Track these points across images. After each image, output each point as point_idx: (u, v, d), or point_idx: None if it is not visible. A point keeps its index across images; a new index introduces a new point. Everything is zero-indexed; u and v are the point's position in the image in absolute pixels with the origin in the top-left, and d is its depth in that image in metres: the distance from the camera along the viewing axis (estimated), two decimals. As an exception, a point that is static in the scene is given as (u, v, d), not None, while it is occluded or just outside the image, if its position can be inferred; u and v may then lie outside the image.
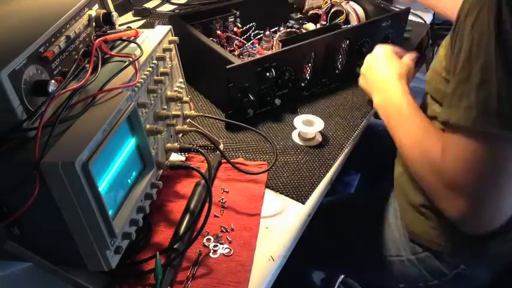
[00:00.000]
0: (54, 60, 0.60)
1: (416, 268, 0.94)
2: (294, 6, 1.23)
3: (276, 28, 1.15)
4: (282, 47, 1.00)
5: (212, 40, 1.02)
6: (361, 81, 1.00)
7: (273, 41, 1.10)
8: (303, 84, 1.05)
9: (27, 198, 0.52)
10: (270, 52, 1.03)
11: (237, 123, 0.94)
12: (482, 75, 0.65)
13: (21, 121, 0.54)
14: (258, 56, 1.01)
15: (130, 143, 0.63)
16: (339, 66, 1.11)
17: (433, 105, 0.84)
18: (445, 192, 0.73)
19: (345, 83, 1.13)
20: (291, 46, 0.98)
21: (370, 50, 1.03)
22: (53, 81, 0.57)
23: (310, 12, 1.23)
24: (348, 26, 1.16)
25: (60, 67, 0.62)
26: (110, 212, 0.55)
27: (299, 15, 1.22)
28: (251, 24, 1.13)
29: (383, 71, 0.94)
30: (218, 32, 1.10)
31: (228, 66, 0.89)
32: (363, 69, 0.99)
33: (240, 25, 1.14)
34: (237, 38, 1.09)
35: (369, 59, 0.99)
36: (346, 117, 1.03)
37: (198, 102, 1.05)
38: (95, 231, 0.54)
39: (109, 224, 0.55)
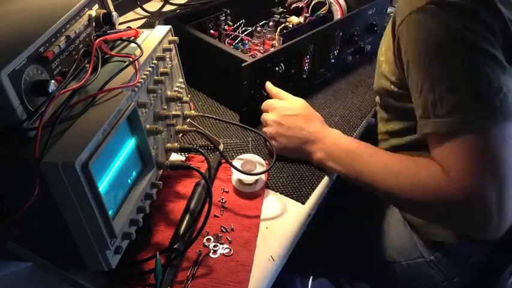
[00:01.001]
0: (54, 60, 0.60)
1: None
2: (276, 0, 1.25)
3: (263, 22, 1.16)
4: (283, 41, 1.01)
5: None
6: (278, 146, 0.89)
7: (265, 37, 1.11)
8: (304, 76, 1.06)
9: (27, 198, 0.52)
10: (275, 48, 1.03)
11: (236, 123, 0.93)
12: (448, 83, 0.67)
13: (21, 121, 0.54)
14: (271, 50, 1.00)
15: (130, 143, 0.63)
16: (334, 56, 1.13)
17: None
18: (461, 211, 0.71)
19: (340, 70, 1.17)
20: (298, 39, 0.99)
21: (359, 37, 1.12)
22: (53, 81, 0.57)
23: (293, 5, 1.24)
24: (343, 16, 1.18)
25: (60, 67, 0.62)
26: (110, 212, 0.56)
27: (281, 10, 1.24)
28: (241, 21, 1.14)
29: (299, 130, 0.87)
30: (212, 31, 1.11)
31: (243, 64, 0.89)
32: (273, 136, 0.89)
33: (230, 23, 1.15)
34: (230, 33, 1.11)
35: (270, 132, 0.89)
36: (346, 117, 1.03)
37: (198, 102, 1.05)
38: (95, 231, 0.54)
39: (109, 224, 0.55)
